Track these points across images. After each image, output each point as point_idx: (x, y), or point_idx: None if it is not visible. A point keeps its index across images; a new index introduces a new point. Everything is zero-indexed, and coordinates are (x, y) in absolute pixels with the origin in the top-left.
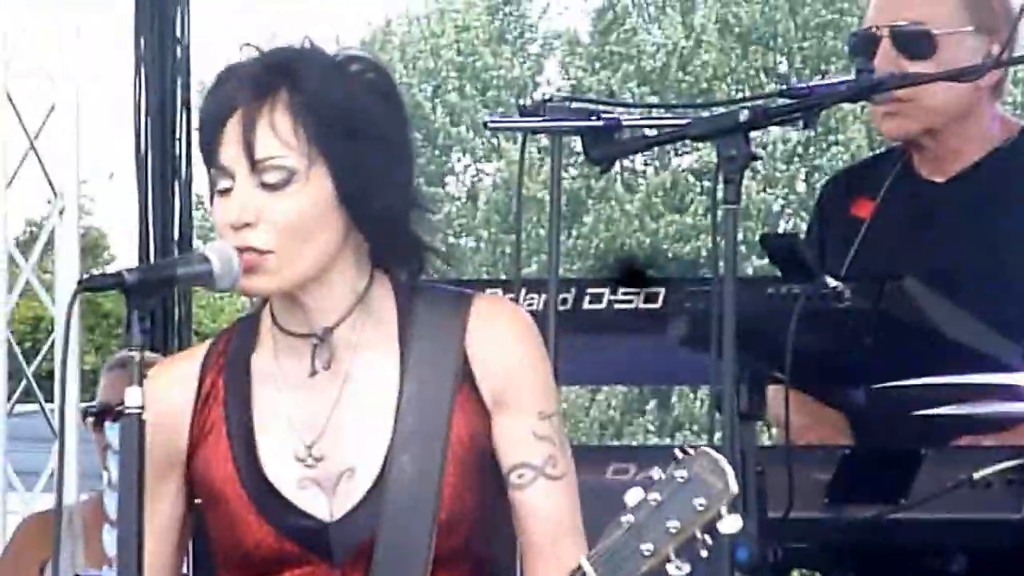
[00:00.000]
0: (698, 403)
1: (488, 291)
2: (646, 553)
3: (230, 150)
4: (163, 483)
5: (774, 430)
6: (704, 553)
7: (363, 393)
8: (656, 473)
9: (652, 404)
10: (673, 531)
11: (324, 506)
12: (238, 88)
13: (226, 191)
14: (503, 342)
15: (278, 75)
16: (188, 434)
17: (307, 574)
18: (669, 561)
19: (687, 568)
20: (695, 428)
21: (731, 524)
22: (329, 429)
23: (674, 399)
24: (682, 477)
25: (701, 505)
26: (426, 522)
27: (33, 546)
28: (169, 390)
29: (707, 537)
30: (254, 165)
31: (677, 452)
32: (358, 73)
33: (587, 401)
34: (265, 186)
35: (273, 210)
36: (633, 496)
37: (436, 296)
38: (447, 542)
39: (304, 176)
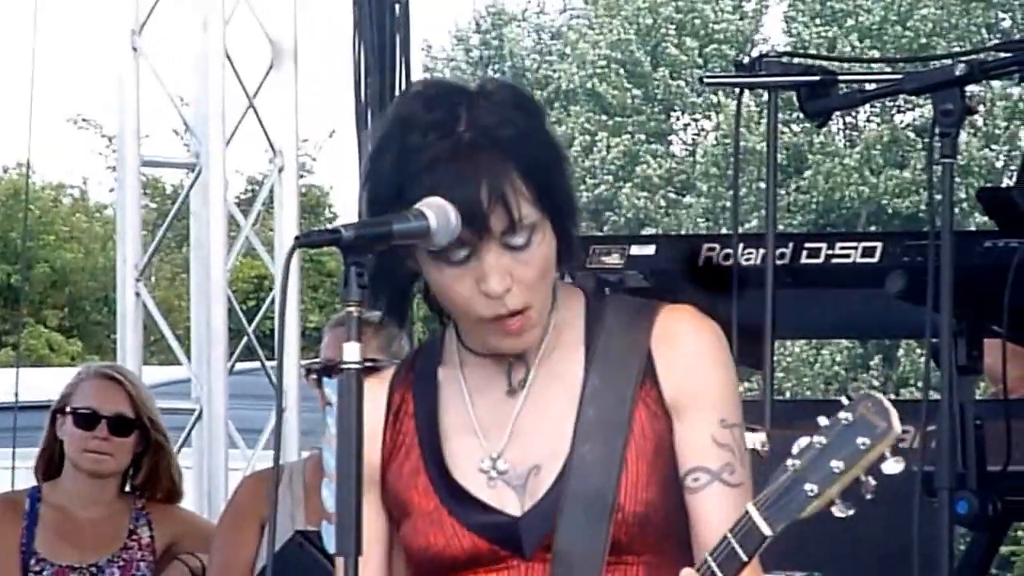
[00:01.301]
0: (923, 359)
1: (707, 245)
2: (810, 494)
3: (488, 214)
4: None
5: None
6: (869, 496)
7: (549, 391)
8: (823, 420)
9: (877, 360)
10: (837, 471)
11: (514, 503)
12: (460, 151)
13: (464, 260)
14: (689, 350)
15: (489, 128)
16: (381, 450)
17: (500, 570)
18: (834, 503)
19: (851, 511)
20: (921, 384)
21: (894, 465)
22: (514, 436)
23: (900, 353)
24: (847, 419)
25: (864, 444)
26: (605, 511)
27: (254, 505)
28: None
29: (871, 479)
30: (513, 226)
31: (843, 398)
32: (531, 102)
33: (812, 356)
34: (511, 247)
35: (525, 269)
36: (799, 444)
37: (624, 301)
38: (626, 532)
39: (541, 229)
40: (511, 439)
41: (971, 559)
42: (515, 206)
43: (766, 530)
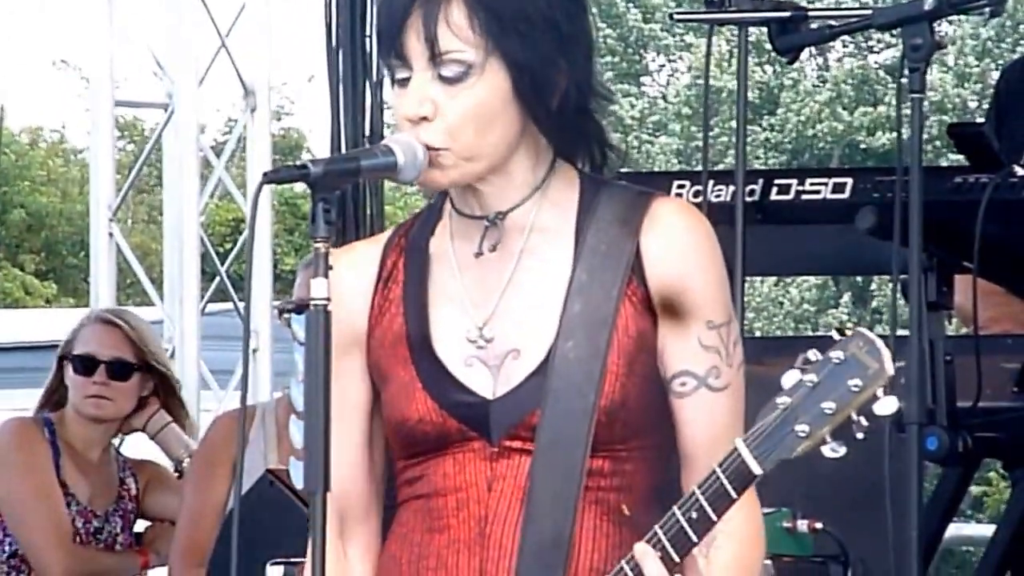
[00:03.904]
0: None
1: (677, 182)
2: (801, 434)
3: (410, 41)
4: (345, 363)
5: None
6: (860, 436)
7: (535, 276)
8: (813, 355)
9: (847, 297)
10: (828, 412)
11: (488, 384)
12: None
13: (404, 81)
14: (678, 244)
15: None
16: (368, 314)
17: (467, 452)
18: (825, 443)
19: (843, 450)
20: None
21: (887, 405)
22: (500, 310)
23: (873, 288)
24: (838, 358)
25: (856, 386)
26: (587, 407)
27: (225, 445)
28: (351, 271)
29: (863, 419)
30: (433, 58)
31: (834, 334)
32: None
33: (780, 295)
34: (443, 79)
35: (449, 104)
36: (789, 378)
37: (619, 190)
38: (607, 429)
39: (480, 70)
40: (495, 314)
41: (941, 495)
42: (439, 35)
43: (756, 469)
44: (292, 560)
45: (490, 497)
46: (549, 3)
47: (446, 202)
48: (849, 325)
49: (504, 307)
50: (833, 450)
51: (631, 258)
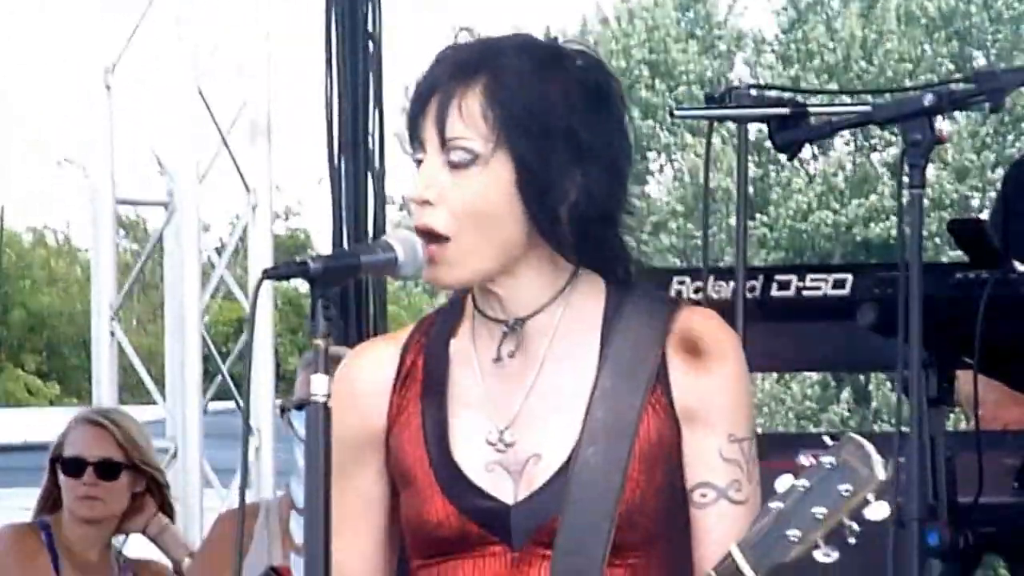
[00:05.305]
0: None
1: (676, 279)
2: (794, 539)
3: (427, 124)
4: (362, 462)
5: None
6: (852, 540)
7: (558, 382)
8: (806, 460)
9: (847, 393)
10: (820, 517)
11: (509, 490)
12: (444, 69)
13: (419, 163)
14: (704, 354)
15: (482, 61)
16: (387, 414)
17: (487, 557)
18: (817, 547)
19: (835, 555)
20: (893, 418)
21: (879, 511)
22: (522, 414)
23: (871, 387)
24: (830, 464)
25: (847, 491)
26: (607, 513)
27: (228, 543)
28: (370, 369)
29: (854, 524)
30: (444, 143)
31: (826, 439)
32: (565, 70)
33: (782, 392)
34: (450, 165)
35: (453, 191)
36: (782, 483)
37: (645, 297)
38: (626, 535)
39: (485, 161)
40: (517, 419)
41: None
42: (449, 120)
43: (749, 574)
44: None
45: None
46: (571, 110)
47: (468, 300)
48: (839, 431)
49: (526, 412)
50: (826, 555)
51: (657, 365)
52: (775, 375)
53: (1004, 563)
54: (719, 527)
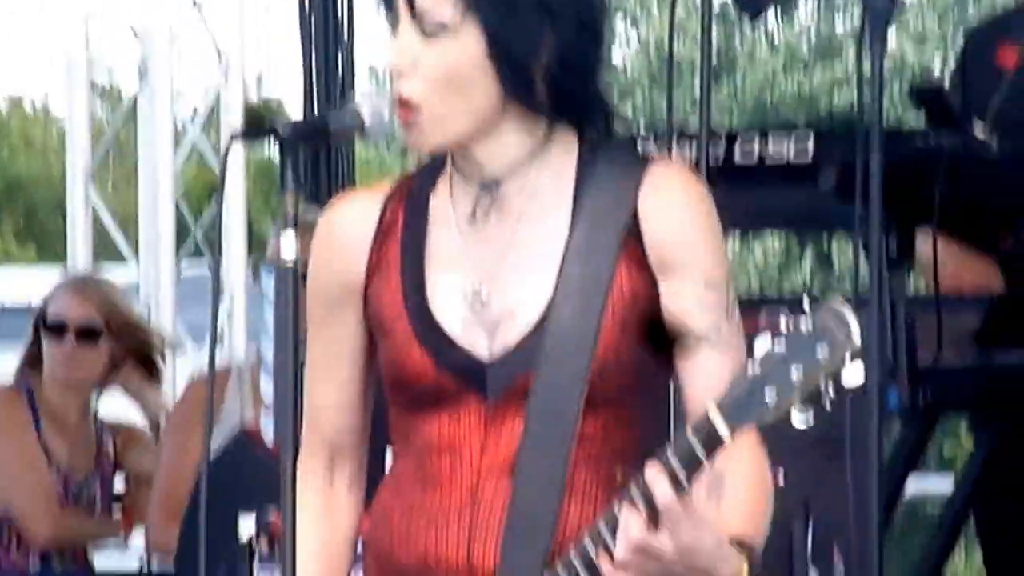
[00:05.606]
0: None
1: (642, 143)
2: (770, 402)
3: None
4: (340, 312)
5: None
6: (828, 405)
7: (532, 238)
8: (784, 323)
9: (809, 258)
10: (796, 381)
11: (484, 346)
12: None
13: (394, 32)
14: (675, 206)
15: None
16: (365, 265)
17: (462, 410)
18: (793, 411)
19: (810, 420)
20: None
21: (854, 375)
22: (497, 272)
23: (834, 252)
24: (806, 328)
25: (824, 355)
26: (581, 367)
27: (201, 404)
28: (350, 221)
29: (830, 388)
30: (413, 14)
31: (805, 302)
32: None
33: (744, 256)
34: (423, 34)
35: (425, 60)
36: (760, 345)
37: (617, 154)
38: (599, 389)
39: (454, 31)
40: (493, 277)
41: (901, 450)
42: None
43: (725, 435)
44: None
45: (483, 459)
46: None
47: (448, 159)
48: (800, 296)
49: (502, 269)
50: (801, 419)
51: (629, 219)
52: (738, 242)
53: (967, 425)
54: (699, 373)
